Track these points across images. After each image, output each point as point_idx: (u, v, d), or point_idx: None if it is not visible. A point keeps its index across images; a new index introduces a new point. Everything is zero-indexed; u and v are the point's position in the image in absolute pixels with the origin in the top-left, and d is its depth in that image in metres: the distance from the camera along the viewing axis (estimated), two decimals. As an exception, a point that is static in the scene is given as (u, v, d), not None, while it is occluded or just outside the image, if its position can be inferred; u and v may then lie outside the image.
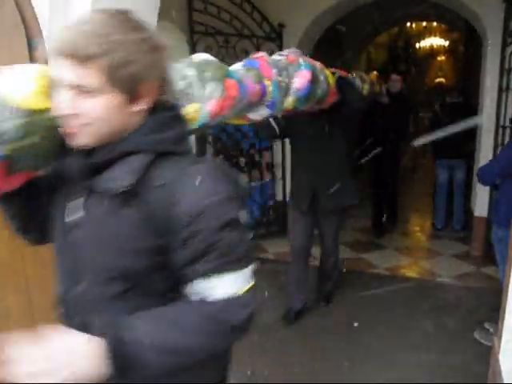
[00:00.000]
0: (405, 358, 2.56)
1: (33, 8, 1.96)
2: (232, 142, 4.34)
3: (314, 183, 2.83)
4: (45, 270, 2.15)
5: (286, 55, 1.86)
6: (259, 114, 1.72)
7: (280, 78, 1.70)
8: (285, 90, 1.75)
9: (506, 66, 3.66)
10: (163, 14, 2.51)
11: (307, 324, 2.96)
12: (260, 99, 1.61)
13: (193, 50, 3.77)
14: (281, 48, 4.30)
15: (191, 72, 1.32)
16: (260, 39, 4.16)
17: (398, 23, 9.26)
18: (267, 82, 1.64)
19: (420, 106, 11.79)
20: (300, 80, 1.82)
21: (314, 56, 4.67)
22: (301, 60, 1.87)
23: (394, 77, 4.46)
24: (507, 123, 3.67)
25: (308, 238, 2.99)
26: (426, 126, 8.50)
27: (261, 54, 1.77)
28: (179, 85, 1.24)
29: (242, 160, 4.43)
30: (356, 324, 2.95)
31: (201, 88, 1.30)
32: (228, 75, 1.41)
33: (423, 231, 5.16)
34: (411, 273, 3.88)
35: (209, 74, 1.34)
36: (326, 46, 5.09)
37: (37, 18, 1.97)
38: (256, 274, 3.35)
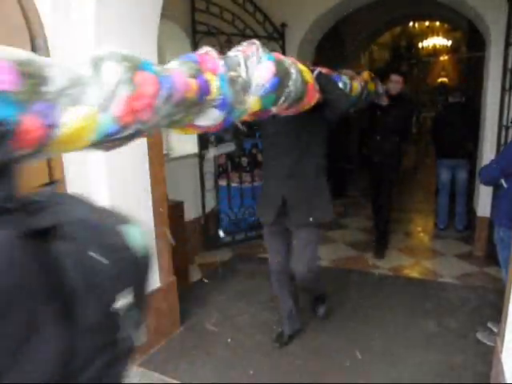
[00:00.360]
0: (407, 358, 2.55)
1: (36, 8, 1.97)
2: (234, 142, 4.34)
3: (282, 193, 2.46)
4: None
5: (242, 50, 1.57)
6: (209, 118, 1.38)
7: (233, 73, 1.44)
8: (242, 85, 1.46)
9: (509, 65, 3.65)
10: (166, 14, 2.52)
11: (309, 323, 2.96)
12: (200, 97, 1.28)
13: (195, 50, 3.78)
14: (283, 48, 4.31)
15: (82, 69, 0.99)
16: (262, 39, 4.16)
17: (400, 23, 9.24)
18: (210, 77, 1.33)
19: (423, 106, 11.76)
20: (262, 74, 1.55)
21: (317, 55, 4.67)
22: (260, 51, 1.58)
23: (395, 77, 3.97)
24: (510, 123, 3.66)
25: (285, 256, 2.64)
26: (429, 125, 8.51)
27: (206, 49, 1.45)
28: (55, 85, 0.88)
29: (245, 160, 4.44)
30: (358, 324, 2.95)
31: (93, 85, 0.98)
32: (141, 68, 1.09)
33: (425, 231, 5.15)
34: (413, 273, 3.87)
35: (108, 69, 1.02)
36: (329, 46, 5.09)
37: (40, 18, 1.98)
38: (258, 273, 3.37)
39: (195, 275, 3.79)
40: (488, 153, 3.86)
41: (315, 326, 2.94)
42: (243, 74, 1.47)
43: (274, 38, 4.27)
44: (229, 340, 2.80)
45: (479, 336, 2.70)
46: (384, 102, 3.93)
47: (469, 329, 2.81)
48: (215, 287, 3.54)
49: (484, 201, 4.00)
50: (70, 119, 0.91)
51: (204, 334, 2.89)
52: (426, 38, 11.43)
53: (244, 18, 4.07)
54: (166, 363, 2.58)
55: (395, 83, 3.96)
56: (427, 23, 10.73)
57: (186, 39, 3.85)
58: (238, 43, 4.24)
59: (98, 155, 2.24)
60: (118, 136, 1.06)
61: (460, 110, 4.56)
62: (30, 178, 1.88)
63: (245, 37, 4.04)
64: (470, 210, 4.60)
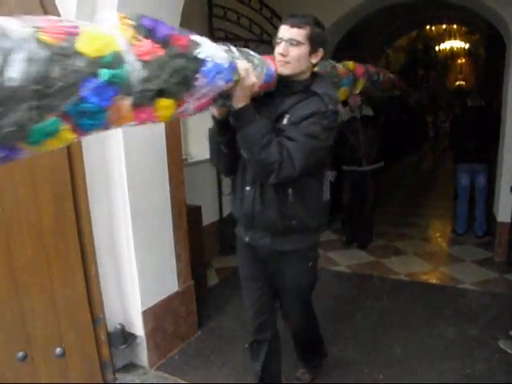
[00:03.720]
0: (426, 366, 2.51)
1: (57, 10, 2.01)
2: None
3: None
4: (69, 271, 2.20)
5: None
6: None
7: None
8: None
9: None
10: (184, 21, 2.55)
11: (327, 329, 2.94)
12: None
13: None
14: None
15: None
16: (279, 44, 4.18)
17: (417, 26, 9.18)
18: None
19: (441, 109, 11.60)
20: None
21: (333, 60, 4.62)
22: None
23: (284, 29, 1.62)
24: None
25: None
26: (446, 130, 8.42)
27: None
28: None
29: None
30: (375, 330, 2.92)
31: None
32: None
33: (444, 237, 5.09)
34: (432, 279, 3.82)
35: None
36: (346, 50, 5.07)
37: (58, 11, 2.02)
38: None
39: (212, 279, 3.81)
40: (509, 158, 3.79)
41: (334, 332, 2.92)
42: None
43: (291, 43, 4.28)
44: (246, 345, 2.79)
45: (501, 344, 2.64)
46: (235, 103, 1.47)
47: (490, 337, 2.76)
48: (232, 292, 3.54)
49: (505, 206, 3.93)
50: None
51: (221, 338, 2.90)
52: (443, 41, 11.33)
53: (261, 23, 4.09)
54: (183, 367, 2.59)
55: (285, 46, 1.59)
56: (444, 26, 10.63)
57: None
58: (255, 48, 4.30)
59: (120, 157, 2.28)
60: None
61: (479, 114, 4.49)
62: (52, 177, 1.91)
63: (262, 42, 4.06)
64: (490, 216, 4.53)
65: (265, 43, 4.07)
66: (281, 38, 1.60)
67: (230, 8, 3.86)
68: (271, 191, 1.67)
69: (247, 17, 3.99)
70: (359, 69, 2.74)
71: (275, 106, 1.65)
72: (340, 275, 3.92)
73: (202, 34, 3.98)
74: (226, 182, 4.26)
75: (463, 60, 12.96)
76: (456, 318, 3.04)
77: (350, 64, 2.52)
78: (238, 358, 2.66)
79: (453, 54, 11.99)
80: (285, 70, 1.61)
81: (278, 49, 1.60)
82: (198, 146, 4.20)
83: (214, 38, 3.82)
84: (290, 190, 1.67)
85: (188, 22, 3.30)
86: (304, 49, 1.59)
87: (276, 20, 4.18)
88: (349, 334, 2.90)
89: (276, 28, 4.19)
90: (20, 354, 2.13)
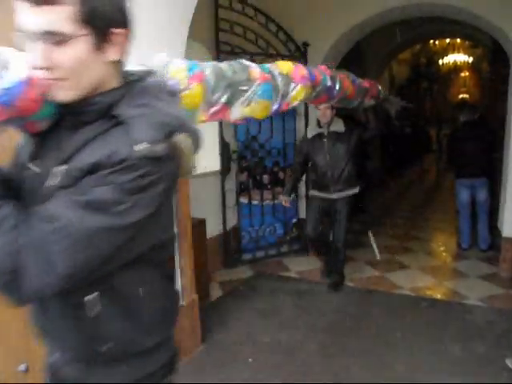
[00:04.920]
0: (432, 382, 2.49)
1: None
2: (256, 160, 4.37)
3: None
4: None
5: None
6: None
7: None
8: None
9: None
10: (191, 34, 2.57)
11: (331, 345, 2.92)
12: None
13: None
14: (305, 66, 4.36)
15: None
16: (285, 58, 4.20)
17: (421, 40, 9.25)
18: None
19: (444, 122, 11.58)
20: None
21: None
22: None
23: (23, 13, 0.75)
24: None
25: None
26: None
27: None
28: None
29: (266, 177, 4.45)
30: (380, 346, 2.90)
31: None
32: None
33: (448, 251, 5.06)
34: (437, 294, 3.79)
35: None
36: (350, 63, 5.11)
37: None
38: (279, 291, 3.33)
39: (215, 293, 3.79)
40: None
41: (338, 347, 2.90)
42: None
43: (296, 56, 4.31)
44: (250, 360, 2.78)
45: (508, 362, 2.61)
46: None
47: (496, 354, 2.73)
48: (236, 305, 3.53)
49: (510, 220, 3.91)
50: None
51: (225, 351, 2.87)
52: (446, 55, 11.39)
53: (267, 37, 4.13)
54: (186, 380, 2.56)
55: (45, 49, 0.76)
56: (448, 40, 10.70)
57: (210, 58, 3.91)
58: (261, 62, 4.27)
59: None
60: None
61: (473, 128, 4.49)
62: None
63: (268, 56, 4.09)
64: (494, 230, 4.50)
65: (271, 57, 4.11)
66: (25, 32, 0.76)
67: (236, 22, 3.90)
68: (58, 299, 0.87)
69: (253, 31, 4.03)
70: (298, 71, 1.95)
71: (57, 149, 0.86)
72: (344, 289, 3.89)
73: (208, 48, 3.97)
74: (231, 194, 4.27)
75: (467, 73, 13.02)
76: (462, 334, 3.01)
77: (285, 65, 1.84)
78: (241, 374, 2.64)
79: (456, 68, 12.04)
80: (62, 95, 0.81)
81: (32, 56, 0.77)
82: (202, 159, 4.22)
83: (220, 51, 3.86)
84: (96, 294, 0.86)
85: (194, 35, 3.33)
86: (80, 45, 0.77)
87: (281, 34, 4.22)
88: (352, 349, 2.87)
89: (282, 42, 4.26)
90: (22, 366, 2.11)
